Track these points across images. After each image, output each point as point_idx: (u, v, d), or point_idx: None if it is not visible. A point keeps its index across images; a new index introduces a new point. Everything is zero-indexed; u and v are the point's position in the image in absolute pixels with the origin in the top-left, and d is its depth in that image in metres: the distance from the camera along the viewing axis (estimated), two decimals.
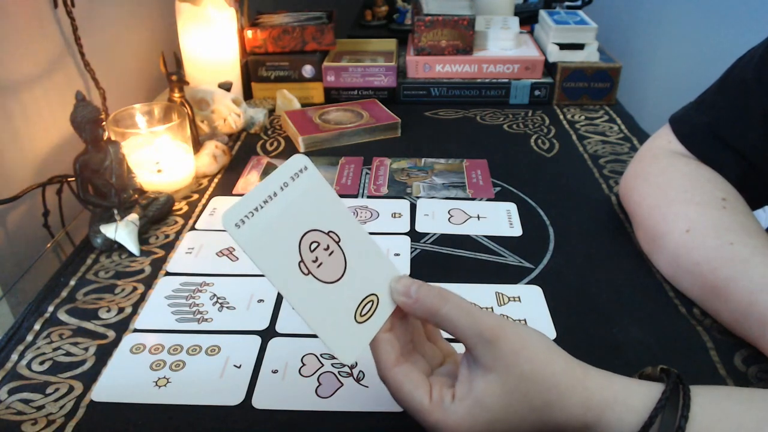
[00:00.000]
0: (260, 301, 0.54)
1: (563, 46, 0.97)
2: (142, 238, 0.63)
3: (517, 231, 0.64)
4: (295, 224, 0.35)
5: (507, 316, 0.52)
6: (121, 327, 0.51)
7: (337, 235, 0.37)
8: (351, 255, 0.37)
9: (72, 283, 0.56)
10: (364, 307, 0.38)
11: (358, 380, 0.45)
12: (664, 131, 0.63)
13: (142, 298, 0.54)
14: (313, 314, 0.36)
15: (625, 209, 0.66)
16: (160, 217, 0.66)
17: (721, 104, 0.58)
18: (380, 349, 0.37)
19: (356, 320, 0.37)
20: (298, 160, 0.36)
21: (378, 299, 0.38)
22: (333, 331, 0.37)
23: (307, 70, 0.97)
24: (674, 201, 0.55)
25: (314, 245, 0.36)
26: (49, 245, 0.65)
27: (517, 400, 0.35)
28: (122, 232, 0.60)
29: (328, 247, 0.36)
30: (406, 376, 0.37)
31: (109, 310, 0.53)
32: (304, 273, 0.35)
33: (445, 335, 0.41)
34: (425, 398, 0.36)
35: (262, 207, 0.34)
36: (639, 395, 0.35)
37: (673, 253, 0.54)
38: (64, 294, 0.55)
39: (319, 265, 0.36)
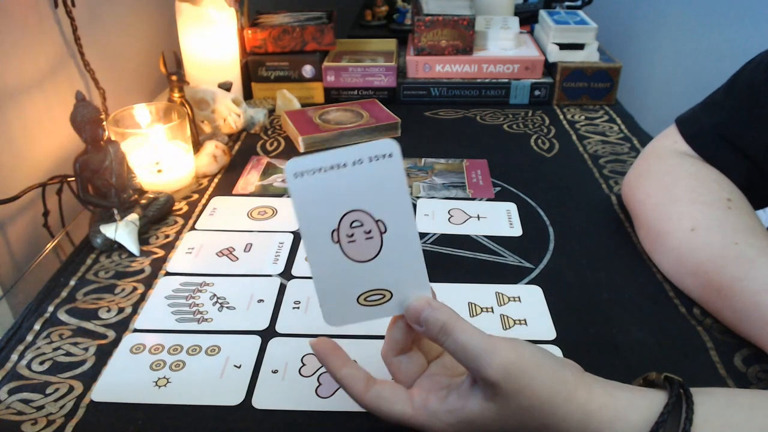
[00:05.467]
0: (260, 301, 0.54)
1: (563, 46, 0.97)
2: (142, 238, 0.63)
3: (517, 231, 0.64)
4: (347, 199, 0.36)
5: (507, 317, 0.52)
6: (121, 327, 0.51)
7: (384, 225, 0.37)
8: (388, 249, 0.38)
9: (72, 283, 0.56)
10: (371, 295, 0.38)
11: None
12: (671, 131, 0.63)
13: (142, 298, 0.54)
14: (321, 275, 0.38)
15: (626, 208, 0.66)
16: (160, 217, 0.66)
17: (729, 106, 0.58)
18: (345, 385, 0.38)
19: (358, 301, 0.38)
20: (387, 146, 0.36)
21: (391, 297, 0.39)
22: (330, 297, 0.38)
23: (307, 70, 0.97)
24: (679, 200, 0.56)
25: (356, 224, 0.37)
26: (49, 245, 0.65)
27: (512, 426, 0.35)
28: (122, 232, 0.60)
29: (369, 231, 0.37)
30: (378, 397, 0.38)
31: (109, 310, 0.53)
32: (333, 240, 0.37)
33: None
34: (406, 408, 0.37)
35: (326, 171, 0.36)
36: (641, 411, 0.34)
37: (677, 252, 0.54)
38: (64, 294, 0.55)
39: (350, 242, 0.37)
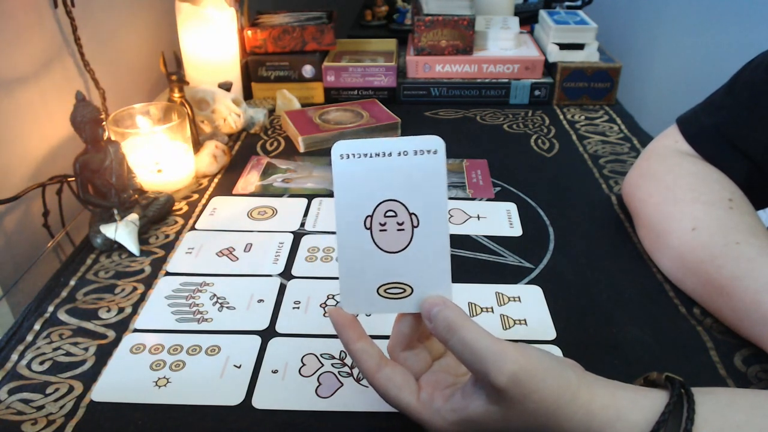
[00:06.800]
0: (260, 301, 0.54)
1: (563, 46, 0.97)
2: (142, 238, 0.63)
3: (517, 231, 0.64)
4: (386, 188, 0.37)
5: (507, 317, 0.52)
6: (121, 327, 0.51)
7: (418, 219, 0.37)
8: (417, 243, 0.38)
9: (72, 283, 0.56)
10: (392, 287, 0.38)
11: (358, 380, 0.45)
12: (671, 131, 0.63)
13: (142, 298, 0.54)
14: (347, 259, 0.38)
15: (626, 208, 0.66)
16: (160, 217, 0.66)
17: (729, 106, 0.58)
18: (357, 359, 0.38)
19: (378, 291, 0.39)
20: (433, 142, 0.37)
21: (411, 293, 0.39)
22: (352, 282, 0.39)
23: (307, 70, 0.97)
24: (681, 200, 0.56)
25: (390, 213, 0.37)
26: (49, 245, 0.65)
27: (514, 426, 0.35)
28: (122, 232, 0.60)
29: (402, 223, 0.37)
30: (389, 380, 0.38)
31: (109, 310, 0.53)
32: (365, 227, 0.37)
33: None
34: (411, 399, 0.37)
35: (371, 157, 0.36)
36: (643, 411, 0.34)
37: (678, 252, 0.54)
38: (64, 294, 0.55)
39: (382, 231, 0.38)
